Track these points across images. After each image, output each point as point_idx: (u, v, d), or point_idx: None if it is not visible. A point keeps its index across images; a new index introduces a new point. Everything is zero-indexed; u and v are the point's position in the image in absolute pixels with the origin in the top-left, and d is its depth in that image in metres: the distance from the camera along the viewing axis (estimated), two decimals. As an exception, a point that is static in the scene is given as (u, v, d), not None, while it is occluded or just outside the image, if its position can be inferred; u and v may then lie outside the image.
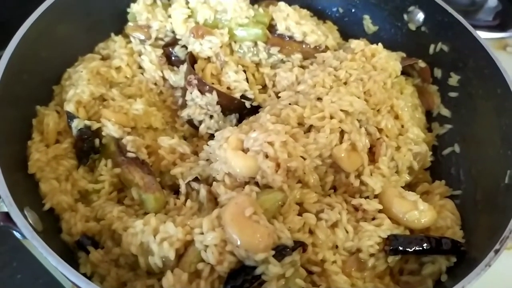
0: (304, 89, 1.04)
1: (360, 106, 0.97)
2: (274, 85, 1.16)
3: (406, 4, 1.24)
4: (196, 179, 0.92)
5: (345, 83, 1.05)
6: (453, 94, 1.17)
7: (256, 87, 1.15)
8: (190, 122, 1.11)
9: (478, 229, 0.94)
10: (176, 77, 1.16)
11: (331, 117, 0.94)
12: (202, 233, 0.76)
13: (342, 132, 0.95)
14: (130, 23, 1.19)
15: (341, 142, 0.94)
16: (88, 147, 0.97)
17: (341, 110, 0.95)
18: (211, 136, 1.04)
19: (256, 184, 0.88)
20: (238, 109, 1.09)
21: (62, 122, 1.00)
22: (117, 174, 0.95)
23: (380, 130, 1.01)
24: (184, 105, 1.11)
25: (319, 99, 0.99)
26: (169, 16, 1.18)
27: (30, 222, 0.76)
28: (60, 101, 1.04)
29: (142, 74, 1.16)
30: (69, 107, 0.99)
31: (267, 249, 0.74)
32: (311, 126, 0.95)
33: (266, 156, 0.87)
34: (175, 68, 1.18)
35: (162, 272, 0.76)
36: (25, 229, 0.73)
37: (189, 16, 1.16)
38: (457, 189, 1.05)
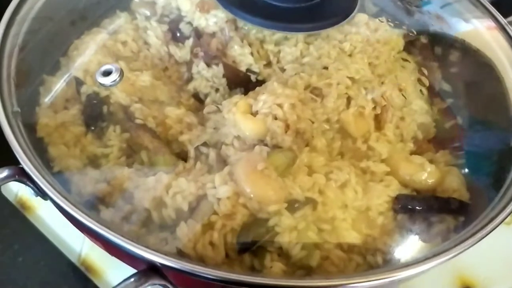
0: (310, 61, 1.06)
1: (366, 74, 0.99)
2: (278, 61, 1.17)
3: (407, -16, 1.27)
4: (204, 144, 0.92)
5: (350, 55, 1.07)
6: (453, 70, 1.19)
7: (261, 62, 1.15)
8: (195, 96, 1.11)
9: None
10: (182, 53, 1.16)
11: (338, 84, 0.96)
12: (214, 187, 0.77)
13: (349, 99, 0.96)
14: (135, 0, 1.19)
15: (348, 108, 0.95)
16: (96, 114, 0.96)
17: (348, 77, 0.97)
18: (217, 110, 1.05)
19: (265, 146, 0.88)
20: (244, 83, 1.09)
21: (70, 89, 1.00)
22: (125, 139, 0.94)
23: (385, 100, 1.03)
24: (189, 79, 1.11)
25: (325, 68, 1.01)
26: (175, -8, 1.19)
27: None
28: (67, 71, 1.04)
29: (147, 50, 1.16)
30: (78, 73, 0.99)
31: (279, 201, 0.75)
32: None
33: (275, 118, 0.88)
34: (180, 44, 1.19)
35: (175, 225, 0.76)
36: (41, 182, 0.73)
37: (195, -9, 1.18)
38: (461, 158, 1.07)
